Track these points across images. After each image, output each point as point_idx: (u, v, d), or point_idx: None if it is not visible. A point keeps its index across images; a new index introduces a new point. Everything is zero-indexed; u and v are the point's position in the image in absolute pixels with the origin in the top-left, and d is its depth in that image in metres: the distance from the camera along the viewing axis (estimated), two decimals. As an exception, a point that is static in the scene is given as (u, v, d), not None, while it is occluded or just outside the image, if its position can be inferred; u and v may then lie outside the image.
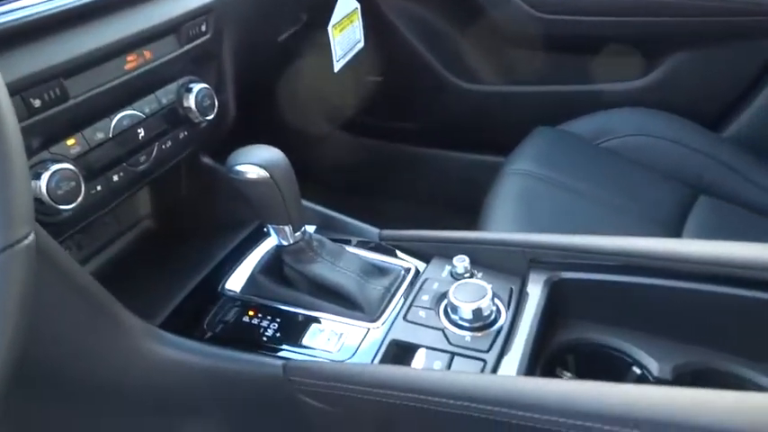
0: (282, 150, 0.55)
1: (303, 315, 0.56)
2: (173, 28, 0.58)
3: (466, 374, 0.47)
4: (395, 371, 0.48)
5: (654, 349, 0.52)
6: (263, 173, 0.53)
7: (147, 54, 0.55)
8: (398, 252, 0.64)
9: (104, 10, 0.51)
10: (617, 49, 1.14)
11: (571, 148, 1.00)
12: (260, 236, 0.67)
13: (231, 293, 0.60)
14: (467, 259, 0.58)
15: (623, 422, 0.36)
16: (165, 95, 0.58)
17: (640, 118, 1.05)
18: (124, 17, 0.53)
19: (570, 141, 1.01)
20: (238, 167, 0.53)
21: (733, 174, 0.98)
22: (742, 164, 0.99)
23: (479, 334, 0.53)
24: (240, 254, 0.64)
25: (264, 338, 0.54)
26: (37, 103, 0.46)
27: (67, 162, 0.49)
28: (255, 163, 0.53)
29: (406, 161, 1.38)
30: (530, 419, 0.40)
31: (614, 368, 0.53)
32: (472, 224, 0.88)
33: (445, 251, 0.61)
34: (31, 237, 0.28)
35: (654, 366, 0.51)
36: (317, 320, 0.56)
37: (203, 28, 0.61)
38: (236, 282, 0.61)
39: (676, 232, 0.85)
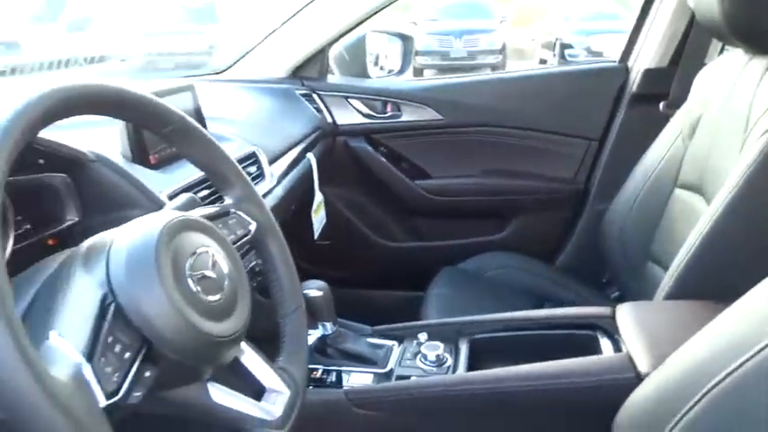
0: None
1: (348, 371, 1.02)
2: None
3: (446, 376, 0.96)
4: (411, 381, 0.96)
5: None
6: (323, 291, 1.02)
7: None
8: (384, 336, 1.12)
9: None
10: (482, 215, 1.80)
11: (467, 279, 1.57)
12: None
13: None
14: (426, 334, 1.09)
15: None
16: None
17: (503, 258, 1.66)
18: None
19: (466, 275, 1.59)
20: (306, 291, 1.02)
21: (563, 288, 1.59)
22: (567, 281, 1.61)
23: (440, 369, 1.02)
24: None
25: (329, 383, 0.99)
26: None
27: None
28: (317, 287, 1.02)
29: (343, 301, 1.88)
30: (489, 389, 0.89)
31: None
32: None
33: (411, 333, 1.11)
34: None
35: None
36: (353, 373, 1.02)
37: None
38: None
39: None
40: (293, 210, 1.49)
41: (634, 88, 1.61)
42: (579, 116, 1.68)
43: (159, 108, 0.63)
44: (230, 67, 1.70)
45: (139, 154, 0.90)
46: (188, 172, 0.97)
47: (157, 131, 0.65)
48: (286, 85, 1.68)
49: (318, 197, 1.52)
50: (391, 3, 1.57)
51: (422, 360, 1.03)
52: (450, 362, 1.03)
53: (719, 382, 0.62)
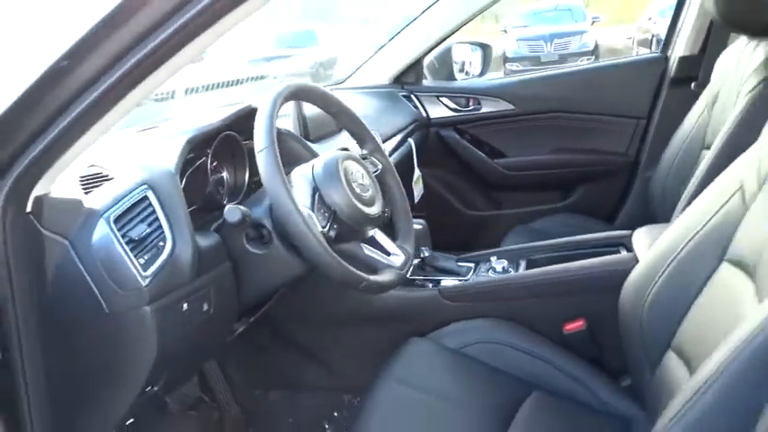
0: None
1: (440, 279, 1.48)
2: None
3: (511, 274, 1.39)
4: (487, 278, 1.40)
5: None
6: (422, 225, 1.48)
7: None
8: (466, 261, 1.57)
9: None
10: (550, 185, 2.19)
11: (536, 234, 1.97)
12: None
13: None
14: (495, 257, 1.51)
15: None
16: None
17: (567, 218, 2.05)
18: None
19: (535, 231, 1.99)
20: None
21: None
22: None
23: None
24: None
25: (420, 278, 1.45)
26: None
27: None
28: (418, 222, 1.48)
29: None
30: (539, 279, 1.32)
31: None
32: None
33: (485, 258, 1.54)
34: None
35: None
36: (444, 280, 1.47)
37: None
38: (407, 273, 1.53)
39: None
40: (398, 181, 1.97)
41: (672, 74, 1.95)
42: (629, 100, 2.04)
43: (332, 98, 1.15)
44: (347, 78, 2.23)
45: (304, 132, 1.42)
46: (332, 145, 1.48)
47: (328, 110, 1.16)
48: (390, 89, 2.18)
49: (417, 172, 1.99)
50: (468, 21, 2.03)
51: (492, 271, 1.47)
52: (512, 272, 1.46)
53: (677, 255, 1.01)
